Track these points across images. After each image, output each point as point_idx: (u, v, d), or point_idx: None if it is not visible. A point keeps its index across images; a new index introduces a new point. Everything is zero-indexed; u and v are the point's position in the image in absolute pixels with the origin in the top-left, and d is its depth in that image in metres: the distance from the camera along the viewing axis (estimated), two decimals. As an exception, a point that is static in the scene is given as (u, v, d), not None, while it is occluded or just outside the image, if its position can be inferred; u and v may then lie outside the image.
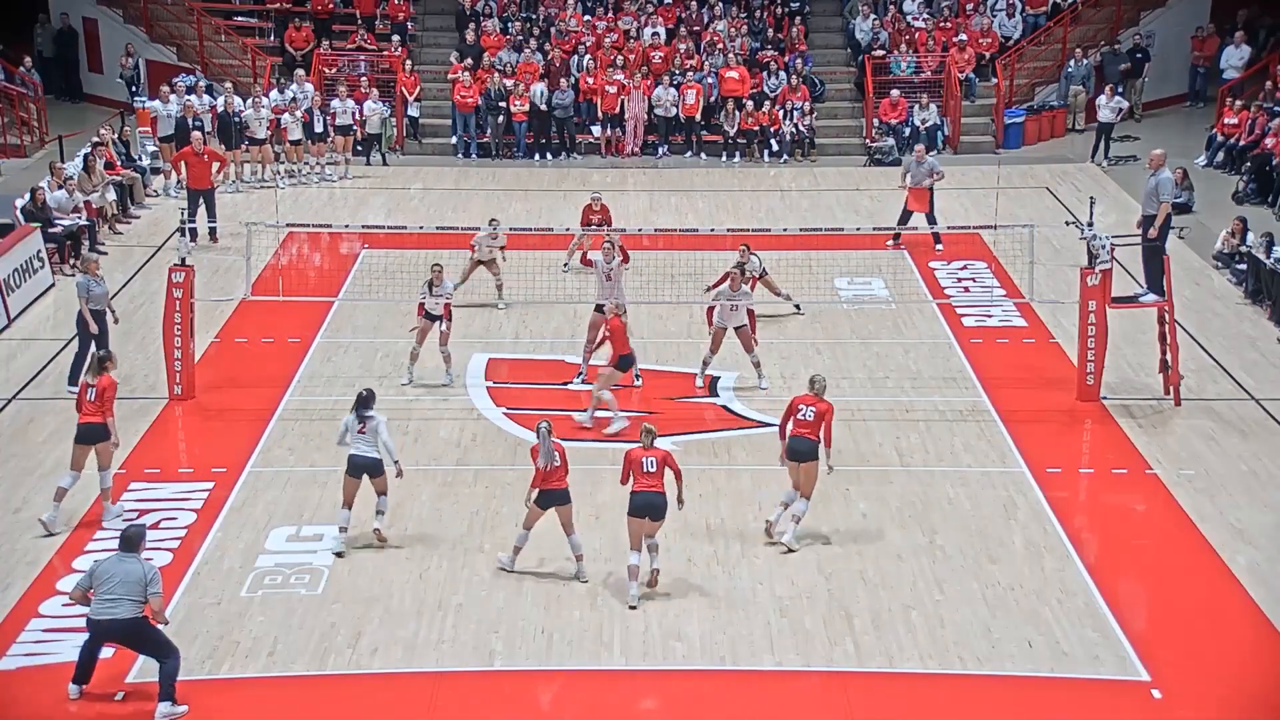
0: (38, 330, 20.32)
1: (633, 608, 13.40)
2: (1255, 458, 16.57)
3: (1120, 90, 29.55)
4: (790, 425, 14.47)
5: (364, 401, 14.48)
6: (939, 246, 23.37)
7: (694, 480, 15.89)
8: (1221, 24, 31.64)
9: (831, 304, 21.15)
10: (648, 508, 13.51)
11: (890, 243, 23.51)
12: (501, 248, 20.98)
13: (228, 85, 29.45)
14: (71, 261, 22.35)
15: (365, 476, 14.34)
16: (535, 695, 12.36)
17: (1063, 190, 27.19)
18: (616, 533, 14.70)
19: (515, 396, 18.27)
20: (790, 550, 14.40)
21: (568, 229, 22.36)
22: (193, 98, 27.50)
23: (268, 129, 27.46)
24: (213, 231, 23.76)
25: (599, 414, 17.17)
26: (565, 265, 22.22)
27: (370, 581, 13.87)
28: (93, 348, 18.04)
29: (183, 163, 24.59)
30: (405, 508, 15.30)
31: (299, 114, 27.84)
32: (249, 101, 27.54)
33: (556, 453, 13.65)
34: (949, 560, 14.33)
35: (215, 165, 24.05)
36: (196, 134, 24.74)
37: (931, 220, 23.36)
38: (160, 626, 11.89)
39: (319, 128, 28.05)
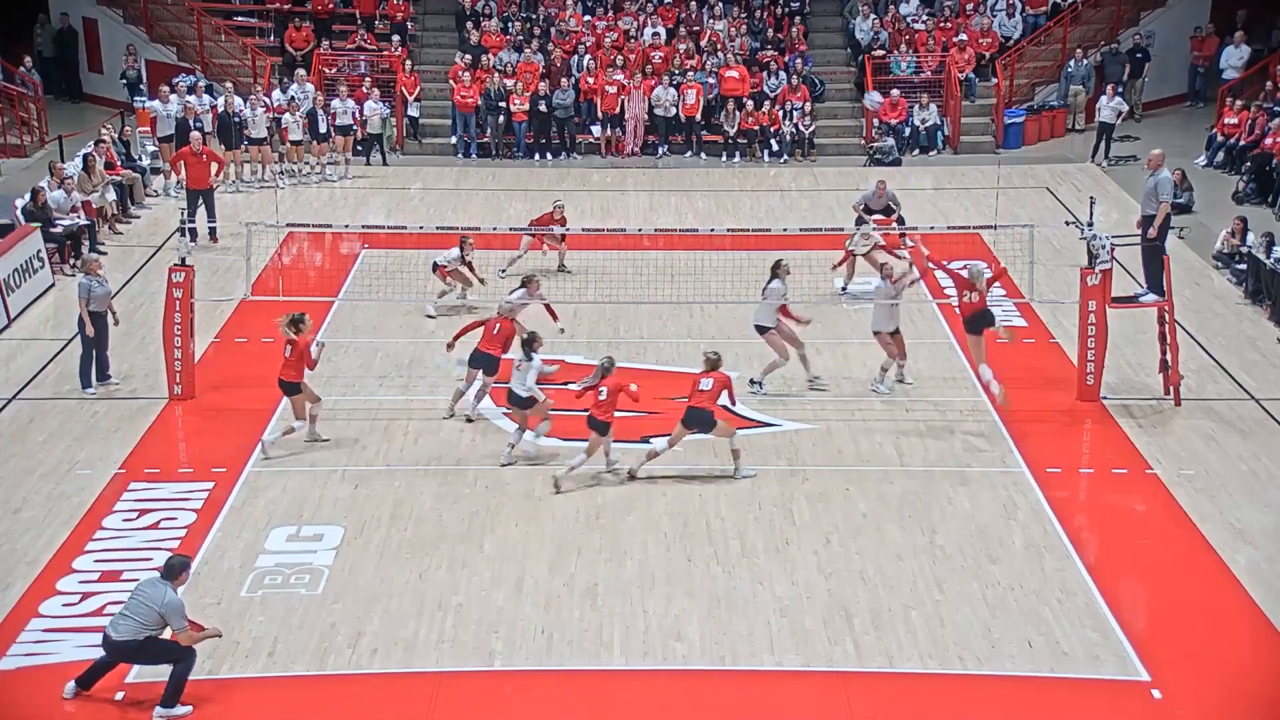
0: (38, 330, 20.32)
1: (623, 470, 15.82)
2: (1255, 458, 16.57)
3: (1120, 90, 29.57)
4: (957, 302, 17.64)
5: (526, 344, 16.31)
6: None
7: (694, 480, 15.95)
8: (1221, 24, 31.65)
9: (832, 304, 21.15)
10: (697, 421, 15.65)
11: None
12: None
13: (228, 85, 29.46)
14: (72, 261, 22.36)
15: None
16: (535, 695, 12.36)
17: (1063, 190, 27.20)
18: (617, 532, 14.77)
19: (515, 396, 18.26)
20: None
21: (567, 229, 22.30)
22: (192, 98, 27.51)
23: (267, 128, 27.46)
24: (212, 231, 23.77)
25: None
26: (503, 271, 22.01)
27: (370, 581, 13.87)
28: (98, 350, 18.14)
29: (181, 163, 24.61)
30: (405, 507, 15.32)
31: (299, 115, 27.83)
32: (248, 101, 27.55)
33: (604, 388, 15.60)
34: (949, 560, 14.33)
35: (214, 166, 24.07)
36: (195, 134, 24.75)
37: (901, 220, 23.27)
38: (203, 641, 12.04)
39: (322, 128, 28.06)
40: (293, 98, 28.22)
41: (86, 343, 17.98)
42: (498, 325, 17.24)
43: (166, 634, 11.77)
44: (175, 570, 11.98)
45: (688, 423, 15.78)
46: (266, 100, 27.84)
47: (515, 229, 22.21)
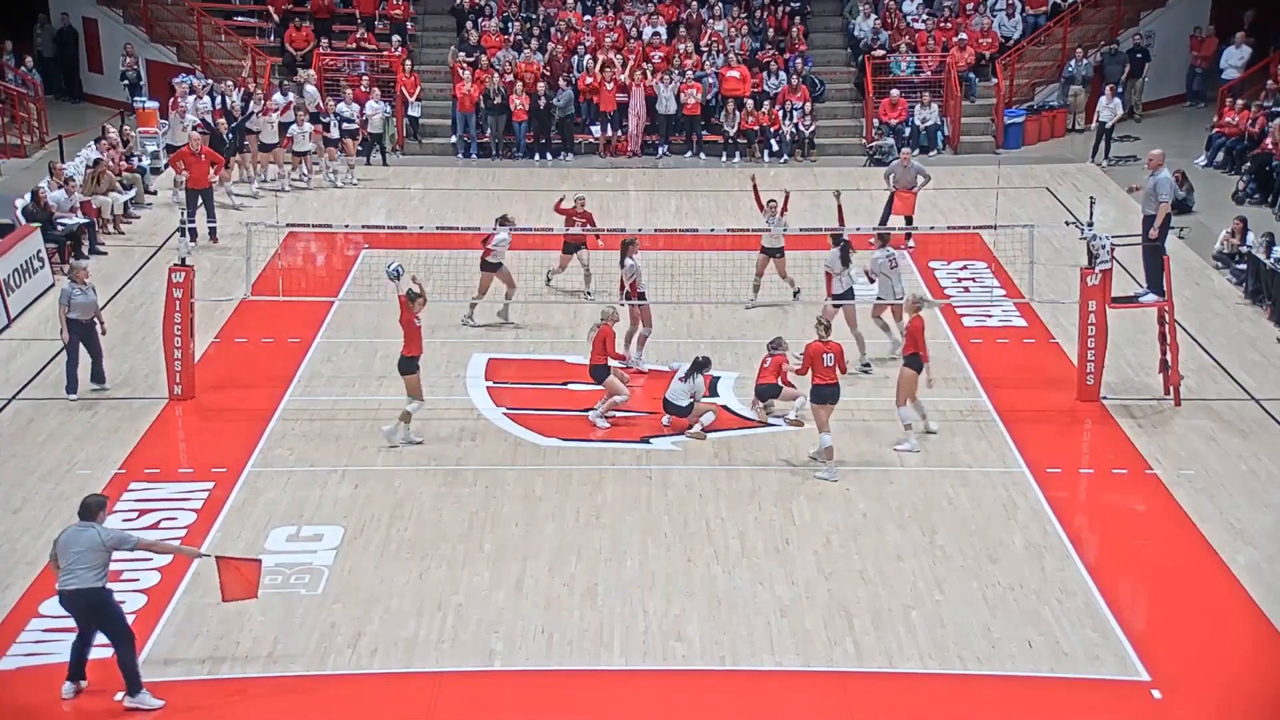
0: (38, 330, 20.30)
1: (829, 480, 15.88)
2: (1255, 458, 16.57)
3: (1120, 90, 29.56)
4: None
5: (697, 365, 17.15)
6: (911, 244, 23.29)
7: (694, 480, 15.96)
8: (1222, 24, 31.64)
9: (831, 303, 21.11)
10: (832, 395, 15.87)
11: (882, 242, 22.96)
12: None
13: (228, 83, 29.41)
14: (71, 262, 22.34)
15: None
16: (535, 695, 12.36)
17: (1063, 190, 27.20)
18: (617, 533, 14.77)
19: (515, 396, 18.28)
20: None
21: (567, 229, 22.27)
22: (192, 99, 27.47)
23: (276, 133, 27.33)
24: (212, 231, 23.78)
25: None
26: (549, 282, 22.02)
27: (370, 581, 13.87)
28: (93, 358, 18.06)
29: (181, 162, 24.57)
30: (405, 507, 15.32)
31: (306, 126, 27.50)
32: (259, 106, 27.26)
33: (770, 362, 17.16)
34: (949, 560, 14.33)
35: (213, 166, 24.05)
36: (195, 134, 24.72)
37: (908, 220, 23.29)
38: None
39: (334, 133, 27.90)
40: (297, 106, 27.76)
41: (68, 349, 17.85)
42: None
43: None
44: (94, 509, 11.86)
45: (825, 399, 15.96)
46: (278, 103, 27.57)
47: (515, 229, 22.14)
